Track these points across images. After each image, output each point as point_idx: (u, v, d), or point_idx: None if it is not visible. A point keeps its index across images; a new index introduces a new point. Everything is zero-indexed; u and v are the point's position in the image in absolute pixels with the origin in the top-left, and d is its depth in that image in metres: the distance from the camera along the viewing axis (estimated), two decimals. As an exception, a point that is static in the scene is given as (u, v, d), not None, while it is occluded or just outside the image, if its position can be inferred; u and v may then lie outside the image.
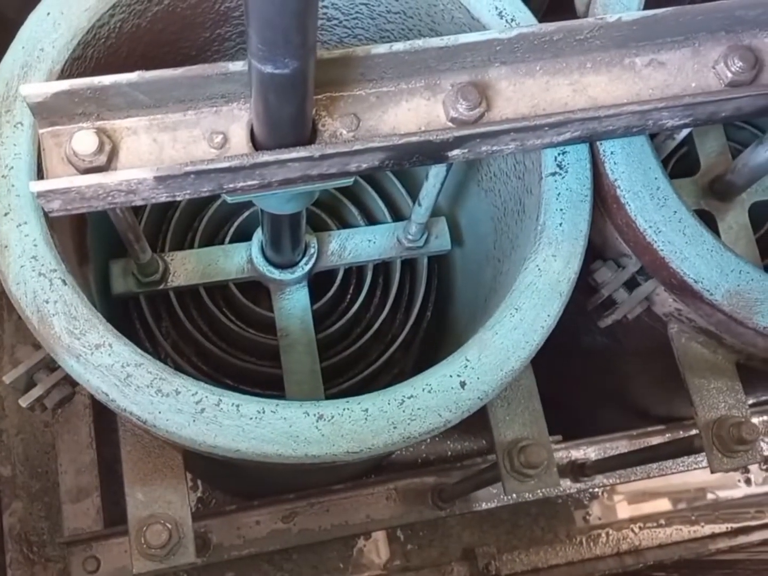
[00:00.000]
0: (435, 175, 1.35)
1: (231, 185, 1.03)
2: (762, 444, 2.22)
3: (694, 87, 1.11)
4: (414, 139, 1.03)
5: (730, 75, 1.09)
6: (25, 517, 2.21)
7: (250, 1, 0.81)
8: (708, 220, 1.64)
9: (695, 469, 2.19)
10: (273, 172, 1.02)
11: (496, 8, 1.35)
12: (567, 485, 2.15)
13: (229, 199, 1.10)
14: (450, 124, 1.08)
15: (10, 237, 1.16)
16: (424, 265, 1.78)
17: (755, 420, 2.21)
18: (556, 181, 1.30)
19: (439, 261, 1.88)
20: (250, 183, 1.03)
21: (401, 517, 2.08)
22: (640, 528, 2.54)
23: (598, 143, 1.31)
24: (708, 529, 2.53)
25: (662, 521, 2.56)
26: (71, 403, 2.07)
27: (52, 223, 1.21)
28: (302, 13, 0.84)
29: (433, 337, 1.93)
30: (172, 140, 1.04)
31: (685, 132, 1.67)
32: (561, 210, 1.29)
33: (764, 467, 2.52)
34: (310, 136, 1.04)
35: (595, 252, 1.46)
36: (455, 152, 1.07)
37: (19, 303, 1.15)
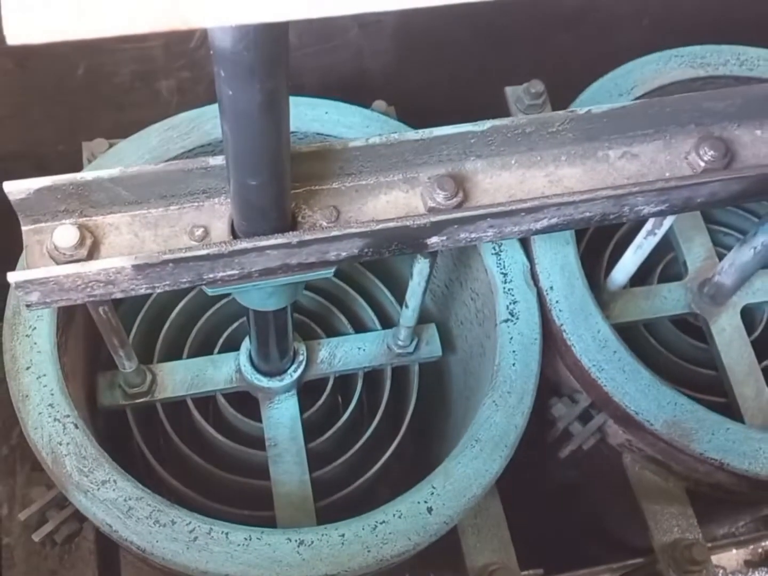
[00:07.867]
0: (419, 272, 1.33)
1: (210, 275, 1.04)
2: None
3: (668, 176, 1.12)
4: (392, 225, 1.04)
5: (702, 164, 1.12)
6: None
7: (233, 188, 0.99)
8: (700, 324, 1.71)
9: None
10: (252, 260, 1.03)
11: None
12: (553, 620, 2.19)
13: (209, 291, 1.11)
14: (428, 213, 1.08)
15: (31, 388, 1.33)
16: (415, 372, 1.76)
17: (733, 552, 2.29)
18: (508, 326, 1.48)
19: (427, 375, 1.83)
20: (229, 272, 1.04)
21: None
22: None
23: (544, 293, 1.50)
24: None
25: None
26: (78, 549, 2.19)
27: (67, 374, 1.39)
28: (279, 196, 1.01)
29: (428, 448, 2.01)
30: (154, 235, 1.06)
31: (666, 226, 1.44)
32: (514, 352, 1.46)
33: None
34: (290, 227, 1.06)
35: (553, 389, 1.62)
36: (434, 240, 1.08)
37: (36, 445, 1.31)
